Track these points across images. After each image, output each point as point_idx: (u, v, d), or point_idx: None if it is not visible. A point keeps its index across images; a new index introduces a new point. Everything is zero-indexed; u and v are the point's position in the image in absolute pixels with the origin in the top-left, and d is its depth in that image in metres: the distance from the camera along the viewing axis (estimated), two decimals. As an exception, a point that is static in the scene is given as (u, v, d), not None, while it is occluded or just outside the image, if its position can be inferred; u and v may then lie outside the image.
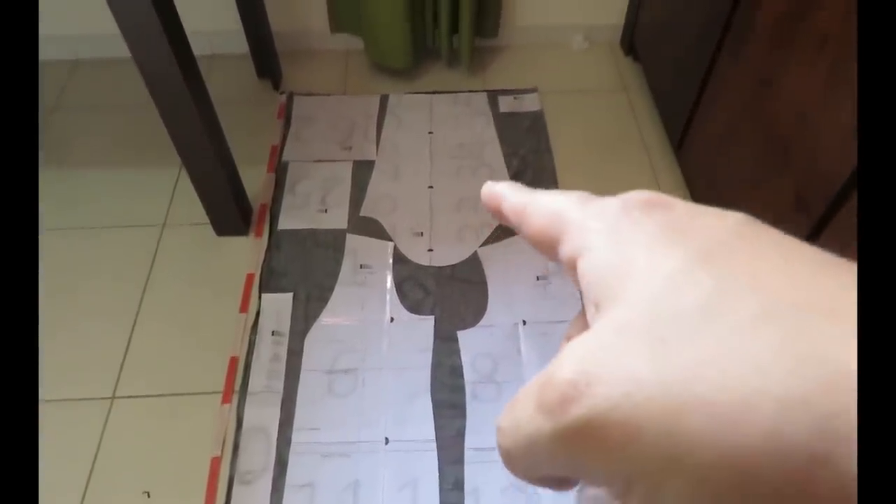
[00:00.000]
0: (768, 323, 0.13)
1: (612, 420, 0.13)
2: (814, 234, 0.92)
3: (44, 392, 1.14)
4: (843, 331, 0.12)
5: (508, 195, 0.21)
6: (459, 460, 1.08)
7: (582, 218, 0.18)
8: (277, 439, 1.10)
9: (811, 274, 0.14)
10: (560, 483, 0.17)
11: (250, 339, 1.22)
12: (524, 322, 1.24)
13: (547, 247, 0.19)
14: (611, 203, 0.18)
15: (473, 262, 1.33)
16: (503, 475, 1.06)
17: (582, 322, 0.20)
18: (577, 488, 0.18)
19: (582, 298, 0.17)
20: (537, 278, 1.30)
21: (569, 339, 0.21)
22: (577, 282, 0.17)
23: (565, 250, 0.18)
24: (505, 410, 0.16)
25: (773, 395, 0.12)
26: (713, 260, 0.14)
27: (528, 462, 0.16)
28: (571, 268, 0.18)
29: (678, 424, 0.12)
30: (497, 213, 0.22)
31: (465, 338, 1.22)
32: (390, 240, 1.37)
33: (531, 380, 0.15)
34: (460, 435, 1.10)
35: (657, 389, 0.13)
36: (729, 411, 0.12)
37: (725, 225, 0.16)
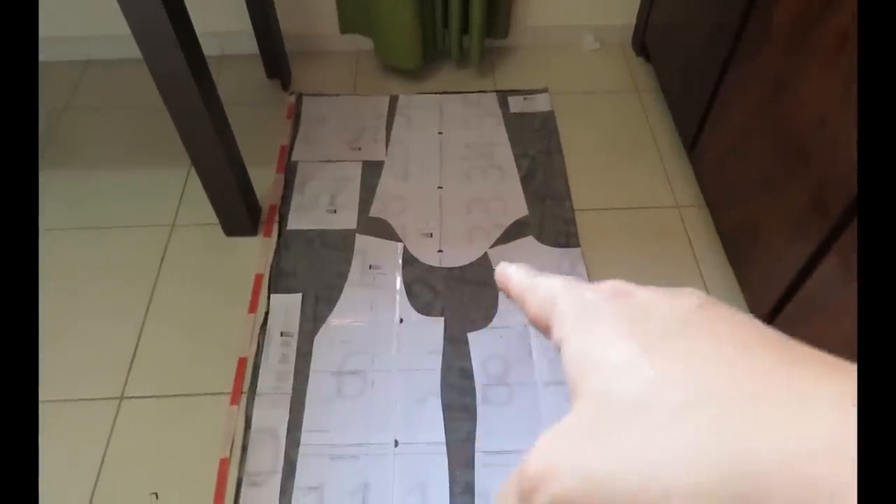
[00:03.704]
0: (690, 414, 0.14)
1: None
2: (833, 235, 0.90)
3: (52, 392, 1.14)
4: (754, 417, 0.13)
5: (514, 278, 0.24)
6: (470, 464, 1.07)
7: (563, 309, 0.20)
8: (286, 441, 1.09)
9: (740, 357, 0.15)
10: None
11: (259, 340, 1.21)
12: (535, 324, 1.22)
13: (543, 331, 0.21)
14: (586, 293, 0.20)
15: (483, 264, 1.32)
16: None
17: None
18: None
19: None
20: (548, 280, 1.28)
21: None
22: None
23: (553, 339, 0.20)
24: (497, 499, 0.18)
25: (684, 486, 0.13)
26: (657, 350, 0.16)
27: None
28: (559, 352, 0.20)
29: None
30: (507, 293, 0.24)
31: (476, 339, 1.21)
32: (400, 241, 1.36)
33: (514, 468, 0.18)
34: (470, 438, 1.09)
35: (601, 481, 0.15)
36: (651, 502, 0.14)
37: (675, 314, 0.17)
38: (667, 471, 0.14)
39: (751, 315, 0.17)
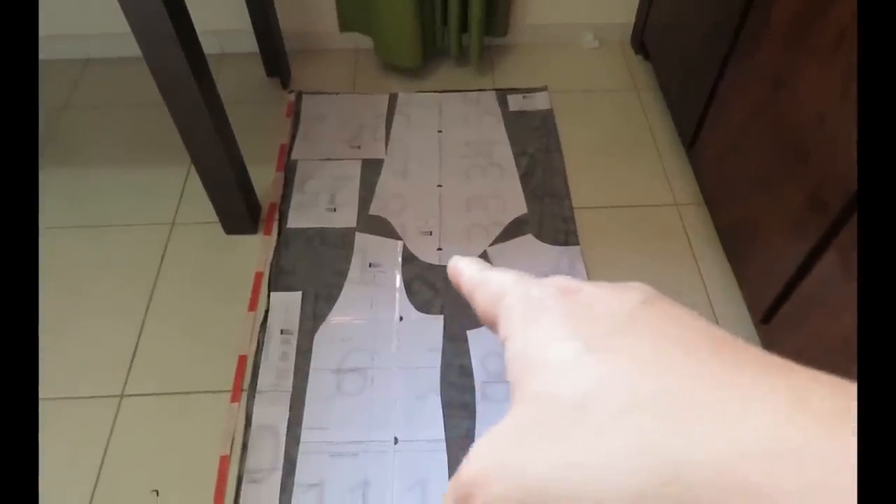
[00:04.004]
0: (629, 418, 0.14)
1: None
2: (831, 232, 0.90)
3: (54, 390, 1.14)
4: (692, 422, 0.13)
5: (465, 273, 0.23)
6: (469, 461, 1.07)
7: (510, 304, 0.20)
8: (286, 438, 1.09)
9: (684, 356, 0.15)
10: None
11: (259, 338, 1.22)
12: (534, 322, 1.23)
13: (490, 326, 0.21)
14: (533, 290, 0.19)
15: (483, 262, 1.32)
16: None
17: None
18: None
19: None
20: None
21: None
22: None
23: (500, 335, 0.20)
24: (443, 500, 0.18)
25: (617, 492, 0.13)
26: (600, 349, 0.16)
27: None
28: (504, 347, 0.19)
29: None
30: (458, 288, 0.24)
31: (475, 337, 1.21)
32: (399, 239, 1.37)
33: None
34: (470, 435, 1.10)
35: (536, 486, 0.15)
36: None
37: (622, 310, 0.17)
38: (602, 476, 0.14)
39: (696, 312, 0.17)
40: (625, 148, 1.56)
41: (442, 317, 1.24)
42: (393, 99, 1.66)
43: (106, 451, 1.09)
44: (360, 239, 1.37)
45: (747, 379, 0.14)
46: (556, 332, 0.17)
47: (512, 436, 0.16)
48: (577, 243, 1.36)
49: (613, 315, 0.17)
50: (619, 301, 0.17)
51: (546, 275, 0.20)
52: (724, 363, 0.15)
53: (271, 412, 1.12)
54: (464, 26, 1.65)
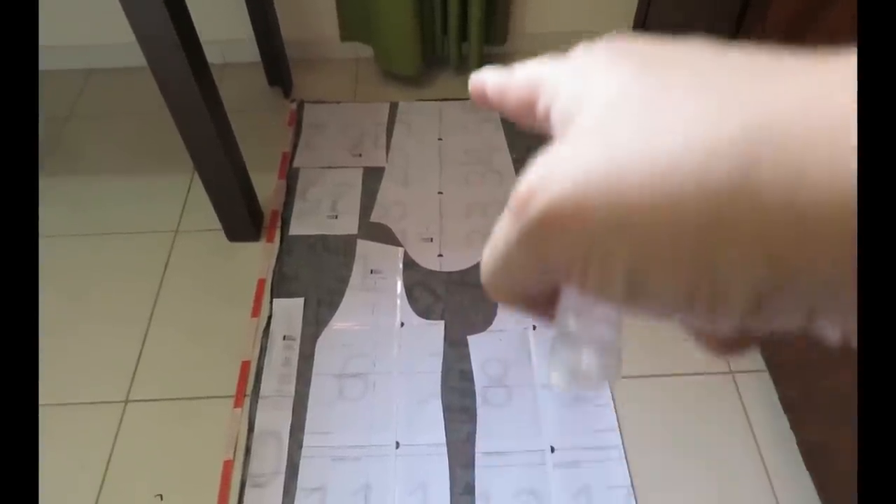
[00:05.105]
0: (697, 93, 0.14)
1: (565, 206, 0.14)
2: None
3: (58, 396, 1.16)
4: (764, 81, 0.13)
5: (489, 79, 0.22)
6: (470, 464, 1.08)
7: (553, 71, 0.19)
8: (289, 443, 1.10)
9: (718, 56, 0.15)
10: (539, 307, 0.19)
11: (262, 344, 1.23)
12: (534, 327, 1.24)
13: (527, 112, 0.20)
14: (577, 50, 0.19)
15: (483, 268, 1.33)
16: (514, 480, 1.06)
17: None
18: (554, 331, 0.19)
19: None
20: (547, 283, 1.30)
21: None
22: (548, 130, 0.18)
23: (541, 106, 0.19)
24: (486, 244, 0.18)
25: (701, 145, 0.13)
26: (659, 64, 0.16)
27: (506, 277, 0.17)
28: (547, 120, 0.19)
29: (619, 195, 0.14)
30: (483, 100, 0.23)
31: (476, 342, 1.22)
32: (400, 245, 1.38)
33: None
34: (470, 439, 1.10)
35: (602, 169, 0.14)
36: (661, 171, 0.13)
37: (675, 42, 0.17)
38: (674, 139, 0.13)
39: None
40: (623, 154, 1.57)
41: (443, 322, 1.25)
42: (393, 107, 1.68)
43: (111, 456, 1.10)
44: (362, 246, 1.38)
45: (781, 59, 0.14)
46: (611, 63, 0.17)
47: (572, 142, 0.16)
48: (576, 249, 1.37)
49: (667, 45, 0.17)
50: (654, 43, 0.17)
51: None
52: (754, 56, 0.15)
53: (274, 417, 1.13)
54: (463, 35, 1.67)
